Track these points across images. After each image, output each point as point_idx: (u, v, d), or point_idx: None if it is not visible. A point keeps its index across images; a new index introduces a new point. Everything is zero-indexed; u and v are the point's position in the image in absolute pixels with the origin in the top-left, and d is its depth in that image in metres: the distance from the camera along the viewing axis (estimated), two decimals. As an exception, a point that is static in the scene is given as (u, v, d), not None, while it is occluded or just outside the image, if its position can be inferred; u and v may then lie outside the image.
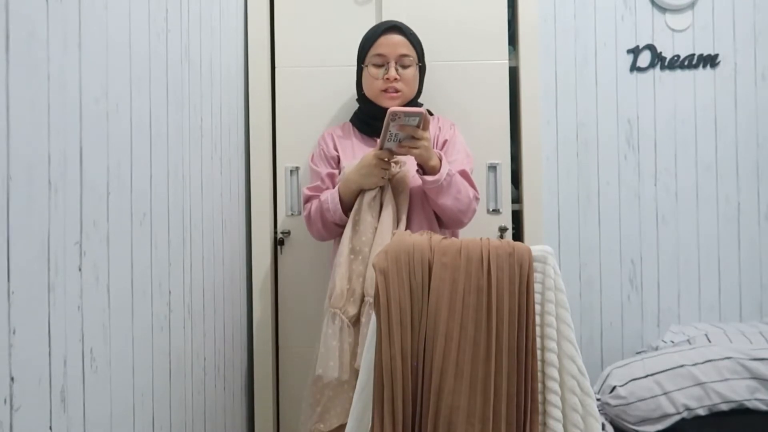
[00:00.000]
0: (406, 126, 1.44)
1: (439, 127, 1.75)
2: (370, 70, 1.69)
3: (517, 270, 1.19)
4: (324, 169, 1.72)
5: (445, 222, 1.65)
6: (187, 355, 1.37)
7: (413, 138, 1.46)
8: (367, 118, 1.74)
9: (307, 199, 1.71)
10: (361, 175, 1.55)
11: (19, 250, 0.74)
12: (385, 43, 1.68)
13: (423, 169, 1.53)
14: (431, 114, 1.83)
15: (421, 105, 1.80)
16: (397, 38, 1.69)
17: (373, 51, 1.69)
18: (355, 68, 1.79)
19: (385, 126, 1.44)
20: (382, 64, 1.67)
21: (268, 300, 1.98)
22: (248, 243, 1.98)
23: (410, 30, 1.72)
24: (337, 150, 1.75)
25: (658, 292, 2.11)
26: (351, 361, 1.49)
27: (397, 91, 1.67)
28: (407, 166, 1.60)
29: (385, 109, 1.67)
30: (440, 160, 1.53)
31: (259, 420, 1.97)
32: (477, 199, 1.65)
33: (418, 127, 1.45)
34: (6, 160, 0.71)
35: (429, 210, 1.63)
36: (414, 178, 1.61)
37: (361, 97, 1.76)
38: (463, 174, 1.62)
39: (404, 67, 1.68)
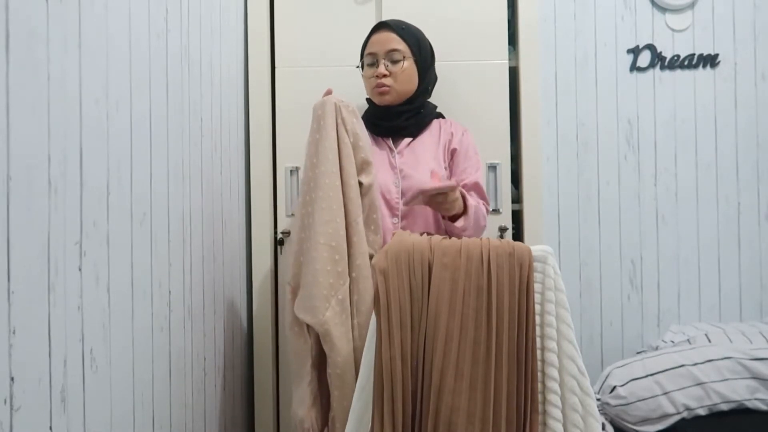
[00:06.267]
0: (436, 195, 1.45)
1: (451, 133, 1.74)
2: (364, 71, 1.71)
3: (517, 270, 1.19)
4: None
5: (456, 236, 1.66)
6: (187, 355, 1.37)
7: (444, 200, 1.47)
8: (373, 119, 1.74)
9: None
10: None
11: (19, 250, 0.74)
12: (375, 41, 1.69)
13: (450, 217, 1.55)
14: (442, 116, 1.83)
15: (435, 107, 1.80)
16: (385, 35, 1.69)
17: (366, 51, 1.71)
18: (354, 68, 1.80)
19: (413, 194, 1.45)
20: (374, 63, 1.68)
21: (268, 300, 1.98)
22: (248, 243, 1.98)
23: (401, 25, 1.71)
24: None
25: (658, 292, 2.11)
26: None
27: (386, 86, 1.66)
28: (417, 167, 1.60)
29: (383, 108, 1.69)
30: (464, 199, 1.53)
31: (259, 420, 1.97)
32: (488, 211, 1.68)
33: (446, 193, 1.45)
34: (6, 160, 0.71)
35: (437, 215, 1.63)
36: (420, 183, 1.61)
37: (367, 98, 1.78)
38: (475, 186, 1.64)
39: (393, 61, 1.67)
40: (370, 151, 1.53)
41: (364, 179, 1.50)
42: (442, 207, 1.49)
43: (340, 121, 1.48)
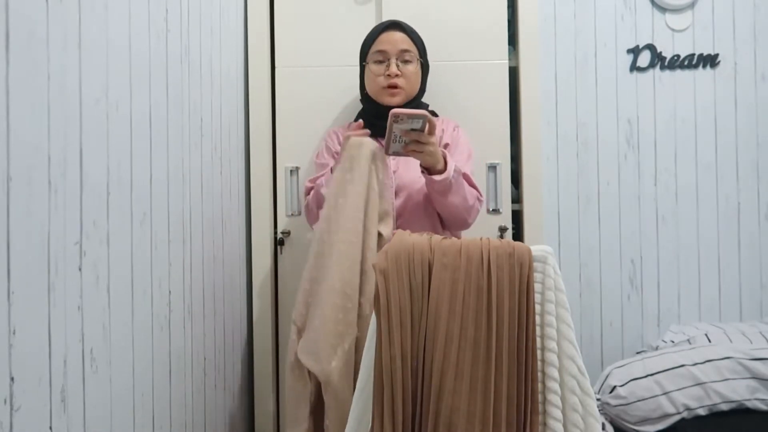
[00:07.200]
0: (410, 131, 1.40)
1: (443, 129, 1.74)
2: (371, 68, 1.70)
3: (517, 270, 1.19)
4: (330, 162, 1.72)
5: (450, 224, 1.64)
6: (187, 355, 1.37)
7: (419, 142, 1.42)
8: (371, 118, 1.73)
9: (308, 191, 1.71)
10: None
11: (19, 250, 0.74)
12: (385, 40, 1.69)
13: (428, 171, 1.50)
14: (435, 115, 1.83)
15: (427, 106, 1.80)
16: (397, 35, 1.69)
17: (374, 48, 1.70)
18: (355, 68, 1.80)
19: (388, 128, 1.40)
20: (383, 61, 1.68)
21: (268, 300, 1.98)
22: (248, 243, 1.98)
23: (411, 28, 1.73)
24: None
25: (658, 292, 2.11)
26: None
27: (398, 87, 1.66)
28: (409, 166, 1.60)
29: (389, 108, 1.68)
30: (445, 159, 1.49)
31: (259, 420, 1.97)
32: (480, 200, 1.65)
33: (422, 130, 1.40)
34: (6, 160, 0.71)
35: (432, 214, 1.62)
36: (414, 182, 1.60)
37: (365, 96, 1.76)
38: (465, 177, 1.62)
39: (405, 62, 1.68)
40: (392, 203, 1.52)
41: (384, 230, 1.47)
42: (419, 150, 1.43)
43: (373, 168, 1.46)
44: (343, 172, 1.46)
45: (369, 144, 1.47)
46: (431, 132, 1.43)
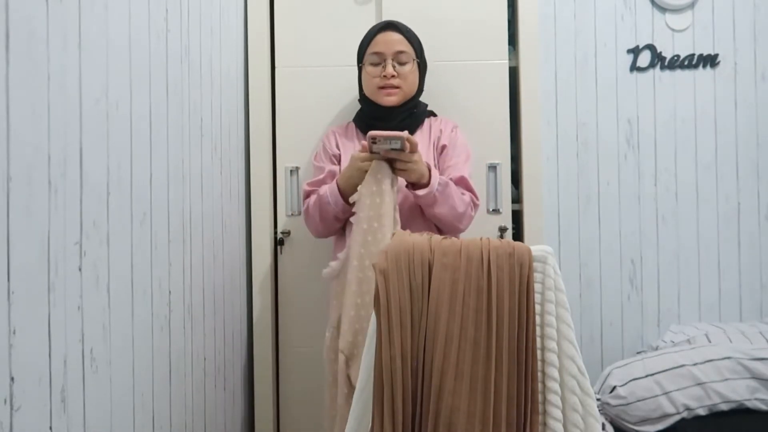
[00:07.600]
0: (390, 151, 1.44)
1: (441, 130, 1.74)
2: (367, 69, 1.70)
3: (517, 270, 1.19)
4: (327, 166, 1.72)
5: (442, 229, 1.65)
6: (187, 355, 1.37)
7: (401, 161, 1.46)
8: (368, 119, 1.74)
9: (308, 195, 1.71)
10: (352, 168, 1.54)
11: (19, 250, 0.74)
12: (381, 41, 1.69)
13: (414, 185, 1.53)
14: (434, 115, 1.83)
15: (426, 105, 1.80)
16: (393, 36, 1.69)
17: (370, 49, 1.70)
18: (354, 68, 1.80)
19: (369, 149, 1.45)
20: (380, 62, 1.68)
21: (268, 300, 1.98)
22: (248, 243, 1.98)
23: (407, 27, 1.73)
24: (338, 148, 1.75)
25: (658, 292, 2.11)
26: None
27: (394, 87, 1.66)
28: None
29: (386, 109, 1.69)
30: (429, 171, 1.52)
31: (259, 420, 1.97)
32: (476, 204, 1.65)
33: (403, 149, 1.43)
34: (6, 160, 0.71)
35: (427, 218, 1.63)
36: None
37: (362, 97, 1.77)
38: (462, 180, 1.62)
39: (401, 63, 1.68)
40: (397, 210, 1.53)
41: None
42: (402, 168, 1.47)
43: (393, 189, 1.49)
44: (372, 196, 1.47)
45: (387, 167, 1.49)
46: (413, 150, 1.45)
